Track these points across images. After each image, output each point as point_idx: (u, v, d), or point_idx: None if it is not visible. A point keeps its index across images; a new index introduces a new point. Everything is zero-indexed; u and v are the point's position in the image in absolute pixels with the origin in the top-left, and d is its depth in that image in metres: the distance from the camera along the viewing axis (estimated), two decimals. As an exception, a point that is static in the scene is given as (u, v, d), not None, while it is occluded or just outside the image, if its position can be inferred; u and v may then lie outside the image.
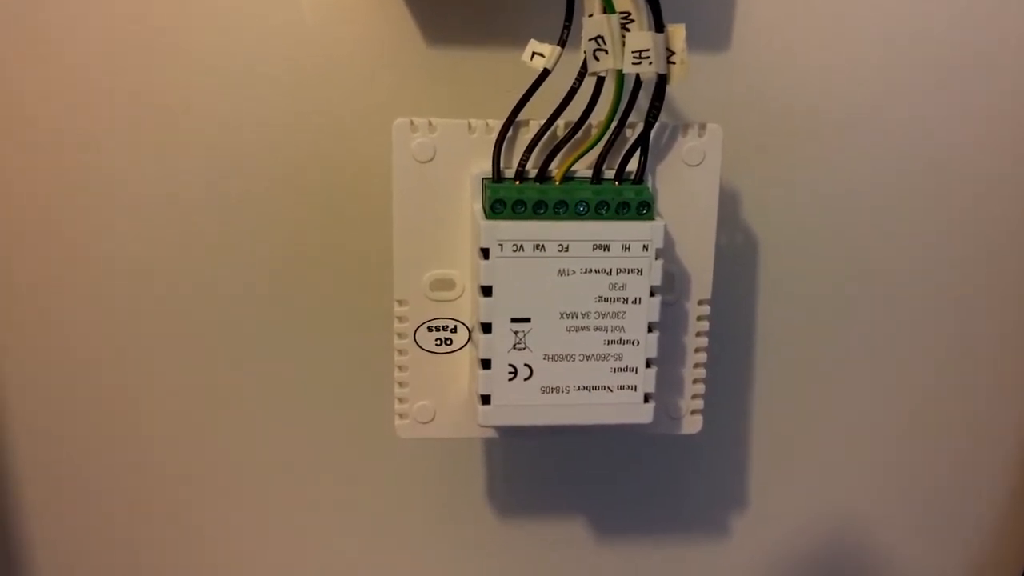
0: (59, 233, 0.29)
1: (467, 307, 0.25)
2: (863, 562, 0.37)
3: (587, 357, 0.24)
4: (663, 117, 0.24)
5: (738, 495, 0.35)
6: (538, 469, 0.34)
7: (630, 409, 0.25)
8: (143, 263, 0.30)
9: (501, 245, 0.23)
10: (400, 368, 0.26)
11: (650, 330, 0.24)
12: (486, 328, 0.24)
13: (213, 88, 0.28)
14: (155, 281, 0.30)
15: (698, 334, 0.27)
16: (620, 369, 0.24)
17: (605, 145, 0.24)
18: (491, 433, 0.26)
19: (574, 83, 0.24)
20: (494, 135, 0.24)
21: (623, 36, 0.23)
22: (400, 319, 0.25)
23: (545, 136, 0.24)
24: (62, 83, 0.28)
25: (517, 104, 0.24)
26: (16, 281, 0.30)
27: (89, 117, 0.28)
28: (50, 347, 0.30)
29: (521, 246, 0.23)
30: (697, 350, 0.27)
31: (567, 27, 0.23)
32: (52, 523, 0.33)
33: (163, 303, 0.30)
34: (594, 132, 0.24)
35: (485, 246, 0.23)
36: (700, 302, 0.26)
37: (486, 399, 0.24)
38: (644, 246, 0.24)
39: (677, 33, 0.23)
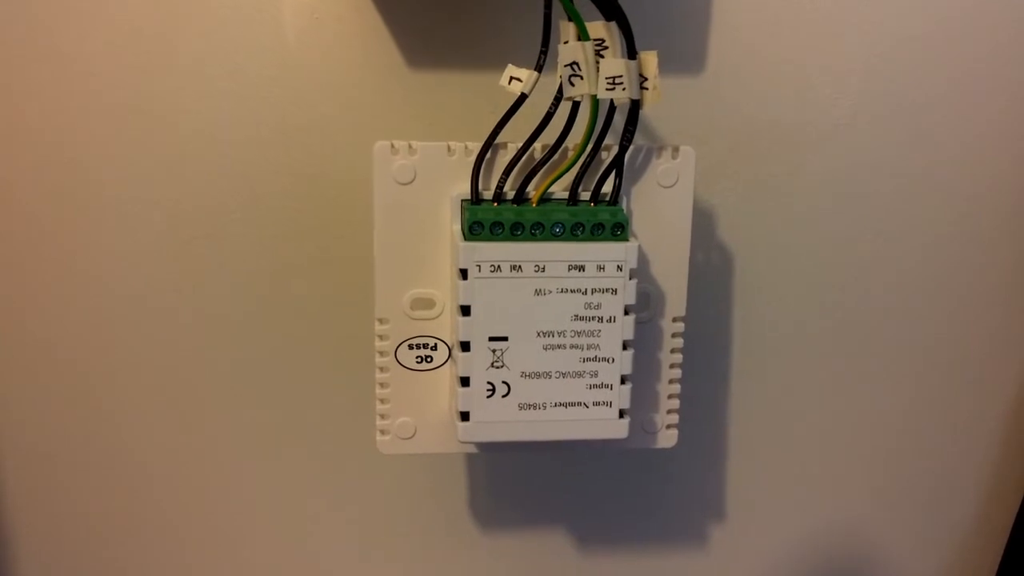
0: (42, 239, 0.30)
1: (447, 325, 0.26)
2: (841, 570, 0.37)
3: (563, 374, 0.25)
4: (638, 139, 0.25)
5: (718, 506, 0.36)
6: (521, 481, 0.34)
7: (606, 425, 0.25)
8: (125, 274, 0.30)
9: (479, 266, 0.24)
10: (381, 385, 0.26)
11: (625, 348, 0.25)
12: (465, 346, 0.24)
13: (196, 111, 0.29)
14: (140, 291, 0.30)
15: (673, 350, 0.27)
16: (596, 386, 0.25)
17: (581, 167, 0.25)
18: (471, 449, 0.27)
19: (551, 107, 0.24)
20: (473, 157, 0.25)
21: (597, 62, 0.23)
22: (381, 337, 0.26)
23: (523, 159, 0.25)
24: (56, 92, 0.28)
25: (495, 127, 0.24)
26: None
27: (82, 125, 0.29)
28: (36, 352, 0.31)
29: (499, 267, 0.24)
30: (672, 366, 0.27)
31: (544, 53, 0.24)
32: (33, 535, 0.33)
33: (147, 316, 0.31)
34: (570, 155, 0.25)
35: (463, 267, 0.24)
36: (675, 319, 0.27)
37: (465, 416, 0.25)
38: (618, 266, 0.24)
39: (649, 60, 0.24)
